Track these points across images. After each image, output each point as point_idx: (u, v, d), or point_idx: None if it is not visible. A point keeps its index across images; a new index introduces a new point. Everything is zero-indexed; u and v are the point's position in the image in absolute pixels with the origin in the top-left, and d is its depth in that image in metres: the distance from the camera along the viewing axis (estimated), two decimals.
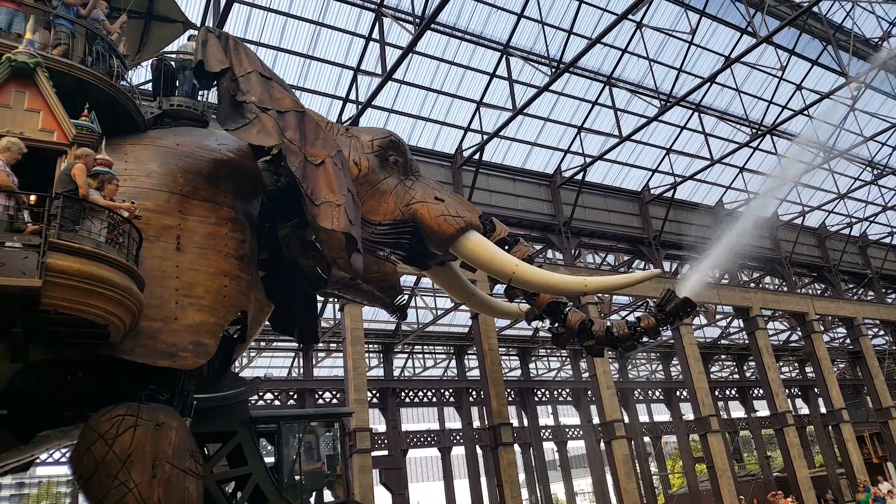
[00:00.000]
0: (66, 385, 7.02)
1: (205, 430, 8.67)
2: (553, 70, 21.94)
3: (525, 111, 23.55)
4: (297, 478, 9.19)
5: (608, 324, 10.45)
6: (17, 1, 7.72)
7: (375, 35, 20.50)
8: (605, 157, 27.25)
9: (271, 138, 8.06)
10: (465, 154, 25.61)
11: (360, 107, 21.26)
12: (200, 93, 9.80)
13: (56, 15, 7.90)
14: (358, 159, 9.18)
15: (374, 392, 30.64)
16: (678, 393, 41.57)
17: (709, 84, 25.11)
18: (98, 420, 6.69)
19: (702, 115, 28.50)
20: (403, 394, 32.85)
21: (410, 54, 20.38)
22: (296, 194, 8.78)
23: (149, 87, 10.27)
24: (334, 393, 30.03)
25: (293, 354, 32.82)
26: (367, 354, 29.84)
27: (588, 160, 27.06)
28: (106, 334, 6.51)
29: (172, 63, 9.79)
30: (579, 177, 27.46)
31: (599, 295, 27.43)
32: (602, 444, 31.22)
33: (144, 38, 10.07)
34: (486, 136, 24.21)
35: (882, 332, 41.92)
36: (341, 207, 8.02)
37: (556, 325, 10.36)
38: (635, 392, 41.27)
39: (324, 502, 9.26)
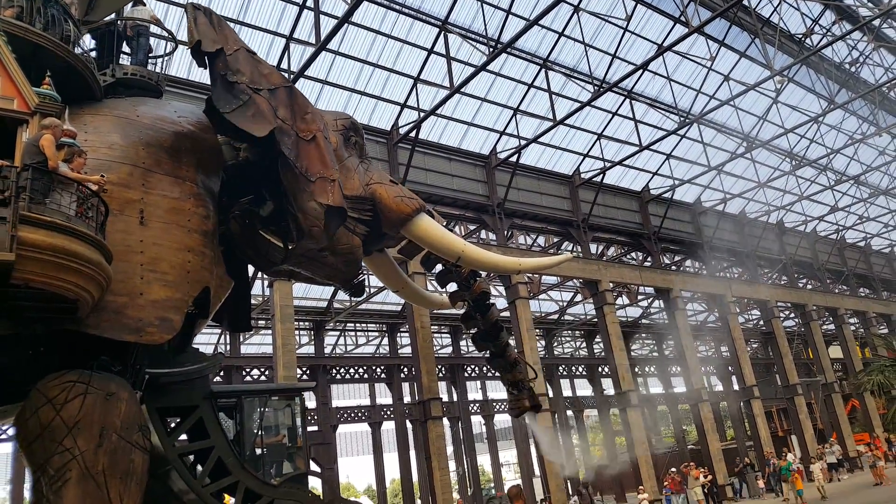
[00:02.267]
0: (29, 359, 7.06)
1: (167, 405, 8.85)
2: (491, 49, 22.39)
3: (462, 90, 24.00)
4: (258, 450, 9.49)
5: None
6: None
7: (310, 3, 20.37)
8: (539, 140, 28.11)
9: (265, 124, 8.27)
10: (402, 131, 25.86)
11: (292, 76, 21.19)
12: (152, 61, 9.75)
13: None
14: (328, 135, 9.57)
15: (304, 369, 31.00)
16: (600, 369, 43.71)
17: (641, 71, 26.19)
18: (47, 384, 6.74)
19: (633, 101, 29.77)
20: (335, 370, 33.35)
21: (346, 24, 20.35)
22: (254, 169, 9.10)
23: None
24: (262, 370, 30.21)
25: (219, 331, 32.70)
26: (297, 332, 30.06)
27: (523, 143, 27.83)
28: (74, 309, 6.64)
29: (125, 29, 9.61)
30: (514, 159, 28.22)
31: (529, 276, 28.47)
32: (527, 418, 32.66)
33: (93, 1, 9.73)
34: (422, 114, 24.44)
35: (792, 315, 45.00)
36: (335, 182, 8.43)
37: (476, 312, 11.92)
38: (560, 368, 43.09)
39: (283, 473, 9.57)
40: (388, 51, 24.88)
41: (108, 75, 9.01)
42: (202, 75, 22.27)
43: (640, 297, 39.75)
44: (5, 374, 7.13)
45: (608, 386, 40.79)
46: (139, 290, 7.47)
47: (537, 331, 37.63)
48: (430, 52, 24.21)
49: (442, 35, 23.80)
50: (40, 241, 5.96)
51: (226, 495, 9.01)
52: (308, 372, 31.54)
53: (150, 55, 9.68)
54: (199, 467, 9.07)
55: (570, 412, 43.35)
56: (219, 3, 21.33)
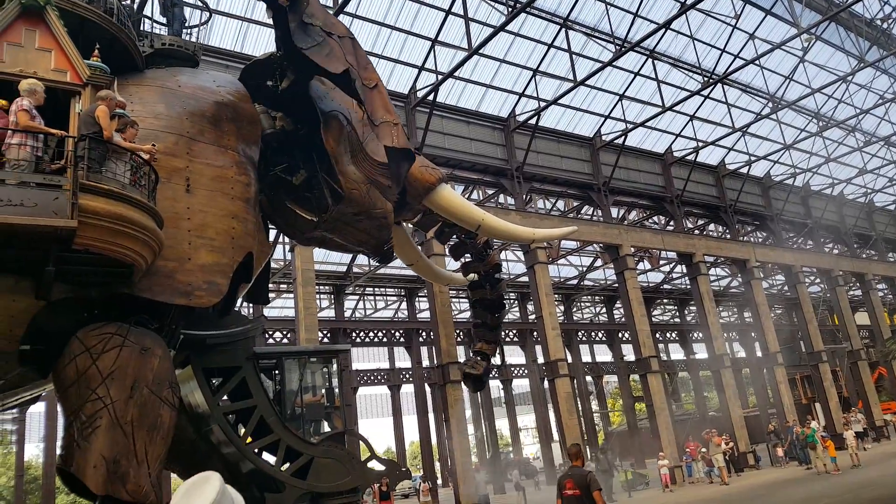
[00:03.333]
0: (83, 323, 7.48)
1: (212, 365, 9.47)
2: (510, 9, 22.59)
3: (481, 51, 24.18)
4: (297, 410, 10.15)
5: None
6: None
7: None
8: (559, 101, 28.26)
9: (340, 62, 8.80)
10: (419, 94, 26.16)
11: None
12: (186, 31, 10.22)
13: None
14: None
15: (325, 332, 32.04)
16: (620, 335, 44.42)
17: (664, 30, 26.18)
18: (87, 334, 7.25)
19: (655, 61, 29.79)
20: (354, 334, 34.41)
21: None
22: (289, 138, 9.68)
23: None
24: (285, 333, 31.28)
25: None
26: (318, 296, 30.98)
27: (542, 104, 28.00)
28: (129, 273, 7.22)
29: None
30: (533, 121, 28.44)
31: (548, 241, 29.00)
32: (546, 383, 33.59)
33: None
34: (440, 77, 24.73)
35: (818, 280, 45.13)
36: (399, 126, 9.04)
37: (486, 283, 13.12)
38: (579, 333, 43.91)
39: (321, 432, 10.24)
40: (406, 12, 25.14)
41: (145, 46, 9.45)
42: (233, 44, 22.84)
43: (661, 262, 40.16)
44: (62, 338, 7.55)
45: (628, 352, 41.53)
46: (188, 255, 8.05)
47: (556, 296, 38.32)
48: (448, 12, 24.30)
49: None
50: (99, 208, 6.51)
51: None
52: (329, 335, 32.61)
53: (185, 25, 10.18)
54: (240, 426, 9.78)
55: (589, 378, 44.26)
56: None
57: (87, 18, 8.07)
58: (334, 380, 10.86)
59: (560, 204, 34.38)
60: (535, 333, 38.22)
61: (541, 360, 33.77)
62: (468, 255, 13.45)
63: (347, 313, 36.12)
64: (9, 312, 6.98)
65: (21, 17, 7.17)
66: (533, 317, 36.11)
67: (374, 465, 10.80)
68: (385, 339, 35.67)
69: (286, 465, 9.35)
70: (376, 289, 37.84)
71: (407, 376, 35.36)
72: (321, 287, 33.12)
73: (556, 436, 34.23)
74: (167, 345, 8.25)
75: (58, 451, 7.63)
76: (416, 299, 36.91)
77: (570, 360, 35.89)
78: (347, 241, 10.85)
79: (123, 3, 9.05)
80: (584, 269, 40.86)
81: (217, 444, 9.61)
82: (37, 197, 6.24)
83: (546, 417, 34.66)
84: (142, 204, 7.00)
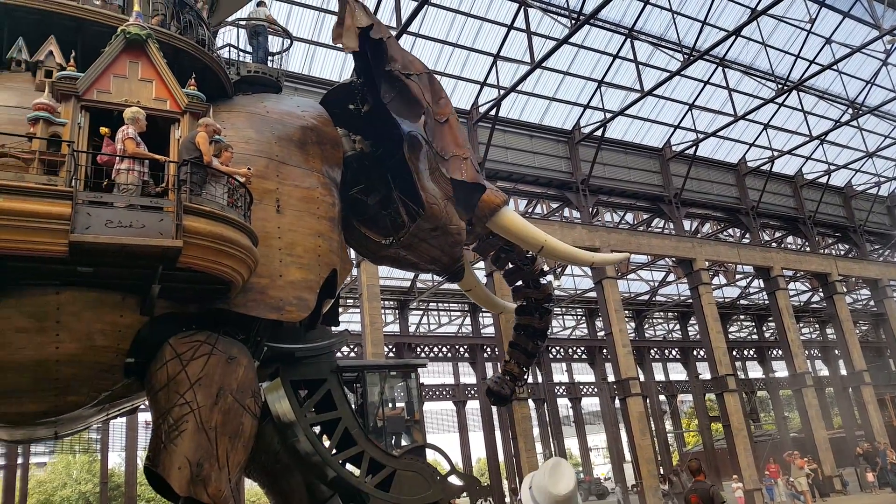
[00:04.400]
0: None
1: (299, 378, 9.98)
2: (573, 22, 22.80)
3: (543, 65, 24.48)
4: (379, 423, 10.53)
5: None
6: None
7: None
8: (626, 112, 28.24)
9: (416, 111, 9.34)
10: (482, 110, 26.62)
11: None
12: (270, 59, 10.90)
13: None
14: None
15: (390, 347, 32.65)
16: (695, 352, 43.57)
17: (734, 37, 25.98)
18: (178, 340, 7.83)
19: (726, 69, 29.47)
20: (419, 349, 34.92)
21: (426, 5, 21.30)
22: (368, 159, 10.24)
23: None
24: (351, 347, 32.03)
25: None
26: (382, 310, 31.69)
27: (608, 115, 28.05)
28: (227, 290, 7.83)
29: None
30: (599, 133, 28.53)
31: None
32: (617, 402, 33.30)
33: (215, 4, 10.84)
34: (502, 91, 25.12)
35: None
36: (468, 160, 9.51)
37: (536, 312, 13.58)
38: (651, 351, 43.27)
39: (402, 445, 10.56)
40: (468, 30, 25.76)
41: (233, 73, 10.10)
42: (301, 67, 23.87)
43: (737, 277, 39.35)
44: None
45: (704, 370, 40.73)
46: (279, 272, 8.64)
47: (626, 312, 37.99)
48: (510, 28, 24.78)
49: (522, 10, 24.37)
50: (201, 228, 7.10)
51: None
52: (394, 350, 33.20)
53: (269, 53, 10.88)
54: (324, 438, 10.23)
55: (662, 397, 43.54)
56: None
57: (181, 49, 8.80)
58: (413, 394, 11.22)
59: (629, 217, 34.22)
60: (604, 351, 37.95)
61: (611, 378, 33.52)
62: (522, 282, 13.83)
63: (412, 328, 36.72)
64: (116, 327, 7.65)
65: (125, 50, 7.90)
66: (602, 333, 35.87)
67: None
68: (449, 355, 36.04)
69: (369, 477, 9.73)
70: (440, 304, 38.34)
71: (472, 392, 35.62)
72: (386, 302, 33.83)
73: (628, 456, 33.87)
74: (251, 355, 8.76)
75: (146, 452, 8.24)
76: (480, 315, 37.20)
77: (642, 378, 35.48)
78: (421, 258, 11.21)
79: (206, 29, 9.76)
80: (656, 284, 40.37)
81: (304, 455, 10.07)
82: (144, 219, 6.88)
83: (617, 437, 34.33)
84: (239, 224, 7.58)
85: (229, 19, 11.48)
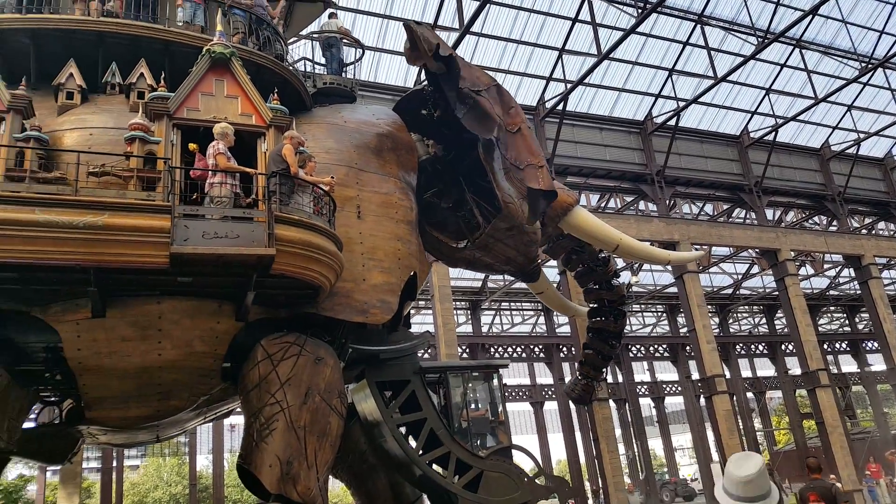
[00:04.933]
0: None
1: (384, 379, 10.30)
2: (639, 11, 22.54)
3: (611, 56, 24.23)
4: (464, 424, 10.70)
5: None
6: None
7: None
8: (700, 100, 27.62)
9: (493, 122, 9.57)
10: (548, 105, 26.55)
11: None
12: (344, 69, 11.31)
13: (231, 5, 9.50)
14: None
15: (463, 348, 32.91)
16: (784, 347, 42.15)
17: (811, 16, 25.10)
18: (269, 342, 8.27)
19: (804, 50, 28.42)
20: (493, 349, 35.05)
21: (488, 5, 21.35)
22: (441, 163, 10.50)
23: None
24: (425, 349, 32.41)
25: None
26: (454, 311, 31.92)
27: (681, 104, 27.49)
28: (315, 294, 8.25)
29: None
30: (672, 122, 27.99)
31: (697, 248, 28.35)
32: (702, 400, 32.56)
33: (289, 18, 11.39)
34: (569, 85, 25.01)
35: None
36: (544, 168, 9.66)
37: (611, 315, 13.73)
38: (737, 346, 42.09)
39: (487, 446, 10.66)
40: (531, 25, 25.69)
41: (308, 86, 10.55)
42: (367, 74, 24.43)
43: (826, 266, 37.89)
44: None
45: (793, 365, 39.41)
46: (362, 276, 9.02)
47: (710, 307, 37.10)
48: (575, 20, 24.63)
49: (586, 2, 24.16)
50: (292, 236, 7.51)
51: None
52: (467, 350, 33.43)
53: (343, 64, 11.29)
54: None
55: (749, 394, 42.30)
56: (366, 1, 23.28)
57: (262, 65, 9.30)
58: (496, 394, 11.35)
59: (708, 208, 33.43)
60: (687, 348, 37.17)
61: (695, 375, 32.81)
62: (594, 284, 13.78)
63: (484, 329, 36.89)
64: (213, 333, 8.13)
65: (211, 68, 8.39)
66: (684, 330, 35.16)
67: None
68: (524, 355, 36.01)
69: (456, 478, 9.91)
70: (512, 304, 38.36)
71: (549, 393, 35.50)
72: (457, 303, 34.09)
73: (715, 456, 33.08)
74: (337, 357, 9.13)
75: (238, 452, 8.66)
76: (555, 314, 37.02)
77: (728, 375, 34.57)
78: (497, 259, 11.38)
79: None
80: (740, 276, 39.28)
81: (390, 455, 10.35)
82: (238, 229, 7.33)
83: (704, 437, 33.54)
84: (326, 231, 7.98)
85: (303, 32, 11.90)
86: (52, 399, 9.83)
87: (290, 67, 10.03)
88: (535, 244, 11.26)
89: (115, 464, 26.14)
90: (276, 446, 7.92)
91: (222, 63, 8.41)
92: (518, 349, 35.99)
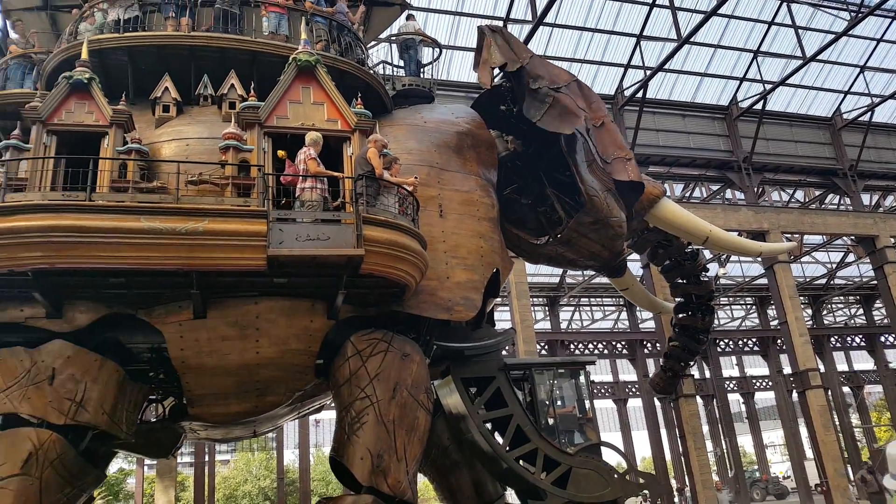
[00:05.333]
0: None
1: (468, 375, 10.48)
2: None
3: (691, 40, 23.72)
4: (550, 420, 10.78)
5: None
6: (282, 5, 9.76)
7: None
8: (788, 82, 26.79)
9: (569, 122, 9.69)
10: (627, 93, 26.19)
11: None
12: (422, 70, 11.55)
13: (313, 13, 9.87)
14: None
15: (542, 344, 32.80)
16: (883, 339, 40.16)
17: None
18: (358, 338, 8.60)
19: None
20: (572, 346, 34.79)
21: None
22: (521, 158, 10.58)
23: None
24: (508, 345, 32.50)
25: None
26: (532, 308, 31.89)
27: (768, 87, 26.69)
28: (402, 293, 8.54)
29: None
30: (759, 106, 27.16)
31: (789, 237, 27.42)
32: (794, 395, 31.44)
33: (366, 22, 11.69)
34: (649, 72, 24.67)
35: None
36: (632, 160, 9.76)
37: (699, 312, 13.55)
38: (832, 339, 40.37)
39: (575, 443, 10.69)
40: (607, 13, 25.40)
41: (388, 88, 10.79)
42: (438, 72, 24.68)
43: None
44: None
45: (894, 357, 37.58)
46: (446, 274, 9.23)
47: (802, 298, 35.73)
48: (653, 5, 24.18)
49: None
50: (379, 237, 7.78)
51: None
52: (546, 347, 33.32)
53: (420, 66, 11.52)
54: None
55: (846, 388, 40.50)
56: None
57: (344, 70, 9.62)
58: (583, 391, 11.34)
59: (799, 194, 32.21)
60: (778, 341, 35.92)
61: (787, 370, 31.70)
62: (682, 279, 13.56)
63: (563, 325, 36.64)
64: (307, 332, 8.49)
65: (297, 76, 8.74)
66: (775, 323, 33.99)
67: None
68: (606, 352, 35.58)
69: (544, 474, 9.99)
70: (592, 299, 37.95)
71: (633, 390, 34.96)
72: (535, 299, 34.00)
73: (809, 453, 31.94)
74: (423, 353, 9.36)
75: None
76: (638, 309, 36.40)
77: (822, 369, 33.24)
78: (580, 254, 11.32)
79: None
80: (834, 266, 37.67)
81: (477, 450, 10.50)
82: (328, 231, 7.68)
83: (796, 433, 32.39)
84: (411, 230, 8.23)
85: (382, 36, 12.21)
86: (155, 397, 10.43)
87: (371, 71, 10.30)
88: (621, 238, 11.12)
89: (206, 458, 27.35)
90: (367, 439, 8.23)
91: (308, 71, 8.73)
92: (599, 345, 35.57)
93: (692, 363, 14.83)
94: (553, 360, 12.48)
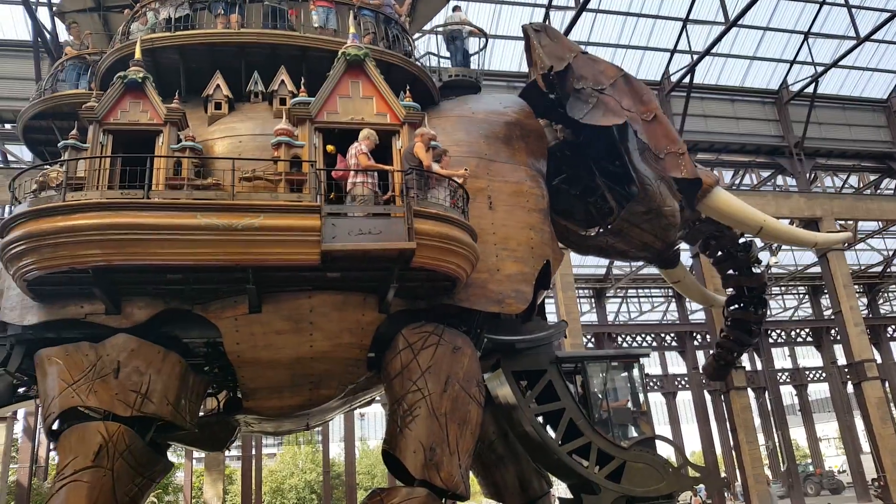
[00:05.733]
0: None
1: (519, 369, 10.45)
2: None
3: (739, 23, 23.19)
4: (604, 414, 10.66)
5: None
6: None
7: None
8: (840, 63, 26.03)
9: (617, 116, 9.66)
10: (674, 79, 25.76)
11: None
12: (469, 60, 11.54)
13: (360, 6, 9.94)
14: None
15: (588, 337, 32.55)
16: None
17: None
18: (410, 331, 8.66)
19: None
20: (620, 338, 34.42)
21: None
22: (570, 148, 10.52)
23: None
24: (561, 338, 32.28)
25: None
26: (577, 300, 31.66)
27: (819, 70, 25.95)
28: (452, 286, 8.59)
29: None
30: (810, 90, 26.44)
31: (842, 223, 26.77)
32: (850, 387, 30.72)
33: (412, 13, 11.75)
34: (696, 56, 24.17)
35: None
36: (685, 155, 9.66)
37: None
38: (889, 329, 39.22)
39: (629, 437, 10.59)
40: None
41: (434, 79, 10.78)
42: (493, 62, 24.61)
43: None
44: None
45: None
46: (496, 266, 9.21)
47: (857, 287, 34.83)
48: None
49: None
50: (430, 230, 7.81)
51: None
52: (592, 340, 33.05)
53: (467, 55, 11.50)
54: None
55: None
56: None
57: (392, 63, 9.65)
58: (637, 384, 11.22)
59: (853, 180, 31.32)
60: (832, 331, 35.06)
61: (842, 361, 30.96)
62: (734, 271, 13.40)
63: (610, 317, 36.28)
64: (359, 325, 8.60)
65: (347, 71, 8.81)
66: (829, 312, 33.19)
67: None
68: (654, 344, 35.11)
69: (597, 468, 9.91)
70: (639, 290, 37.52)
71: (682, 383, 34.47)
72: (580, 291, 33.72)
73: (865, 447, 31.18)
74: (474, 346, 9.38)
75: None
76: (687, 300, 35.86)
77: (879, 359, 32.36)
78: (632, 245, 11.22)
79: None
80: (891, 253, 36.59)
81: (530, 439, 10.45)
82: (380, 225, 7.73)
83: (852, 426, 31.67)
84: (461, 223, 8.24)
85: (426, 27, 12.22)
86: (211, 391, 10.66)
87: (418, 63, 10.32)
88: (674, 227, 10.99)
89: (253, 452, 27.84)
90: (420, 432, 8.29)
91: (357, 65, 8.81)
92: (648, 338, 35.09)
93: (742, 353, 14.64)
94: (606, 352, 12.34)
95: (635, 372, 11.18)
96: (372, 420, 49.65)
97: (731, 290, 13.68)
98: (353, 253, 7.64)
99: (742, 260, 13.09)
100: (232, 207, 7.49)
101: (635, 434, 10.69)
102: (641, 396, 11.13)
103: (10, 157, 22.50)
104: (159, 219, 7.39)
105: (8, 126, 21.50)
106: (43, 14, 19.78)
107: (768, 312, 37.48)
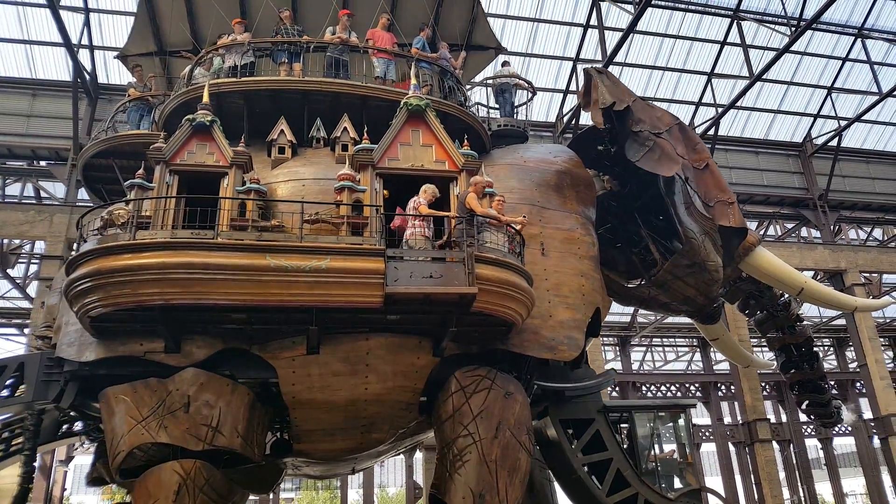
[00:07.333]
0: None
1: (567, 417, 10.40)
2: (792, 29, 21.60)
3: (763, 77, 23.41)
4: (651, 465, 10.55)
5: None
6: (390, 51, 10.22)
7: (593, 21, 21.91)
8: (864, 118, 26.21)
9: (669, 165, 9.79)
10: (699, 131, 25.90)
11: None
12: (516, 111, 11.86)
13: (419, 59, 10.28)
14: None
15: (613, 386, 32.12)
16: None
17: None
18: (462, 374, 8.59)
19: None
20: (644, 388, 33.91)
21: (631, 35, 21.26)
22: (615, 199, 10.65)
23: None
24: (612, 386, 31.86)
25: None
26: (602, 347, 31.37)
27: (843, 123, 26.14)
28: (508, 331, 8.58)
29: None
30: (834, 143, 26.57)
31: (867, 276, 26.60)
32: (876, 441, 30.08)
33: (463, 66, 12.03)
34: (720, 109, 24.43)
35: None
36: (734, 205, 9.67)
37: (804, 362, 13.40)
38: None
39: (675, 488, 10.43)
40: (677, 52, 25.36)
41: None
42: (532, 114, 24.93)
43: None
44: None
45: None
46: (549, 312, 9.21)
47: (882, 340, 34.33)
48: (724, 44, 24.07)
49: (735, 24, 23.58)
50: (489, 275, 7.84)
51: None
52: (617, 389, 32.59)
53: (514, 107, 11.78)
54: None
55: None
56: (508, 39, 23.78)
57: (448, 113, 9.90)
58: (683, 435, 11.07)
59: (877, 232, 31.18)
60: (858, 385, 34.49)
61: (868, 415, 30.39)
62: (776, 330, 13.37)
63: (635, 365, 35.88)
64: (413, 368, 8.58)
65: (408, 120, 9.05)
66: (854, 365, 32.71)
67: None
68: (678, 394, 34.53)
69: None
70: (664, 339, 37.14)
71: (706, 434, 33.79)
72: (605, 338, 33.44)
73: (893, 502, 30.32)
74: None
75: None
76: (712, 350, 35.45)
77: None
78: (674, 298, 11.23)
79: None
80: None
81: (581, 491, 10.28)
82: (440, 269, 7.75)
83: (879, 481, 30.80)
84: (519, 269, 8.28)
85: (476, 79, 12.54)
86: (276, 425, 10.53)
87: (472, 113, 10.54)
88: (717, 283, 10.99)
89: (271, 496, 27.45)
90: (469, 479, 8.18)
91: (418, 114, 9.04)
92: (672, 388, 34.56)
93: (830, 398, 14.26)
94: (654, 402, 12.23)
95: (682, 422, 11.02)
96: (390, 466, 48.91)
97: (777, 351, 13.60)
98: (415, 296, 7.67)
99: (783, 319, 13.05)
100: (300, 249, 7.54)
101: (681, 485, 10.48)
102: (688, 447, 10.94)
103: (42, 194, 22.83)
104: (228, 259, 7.42)
105: (43, 163, 21.87)
106: (83, 56, 20.38)
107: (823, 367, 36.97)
